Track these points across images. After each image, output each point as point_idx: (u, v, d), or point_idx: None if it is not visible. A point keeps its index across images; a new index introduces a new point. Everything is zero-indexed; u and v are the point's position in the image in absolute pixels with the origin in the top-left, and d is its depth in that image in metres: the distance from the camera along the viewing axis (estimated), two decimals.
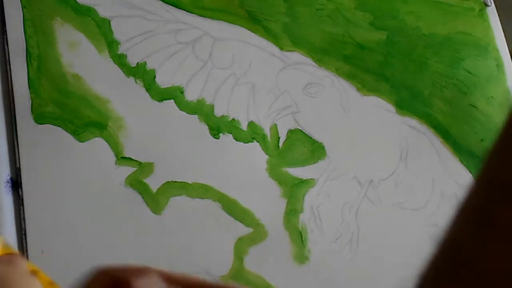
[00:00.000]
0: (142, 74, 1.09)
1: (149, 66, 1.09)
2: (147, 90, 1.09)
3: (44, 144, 1.07)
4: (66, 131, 1.08)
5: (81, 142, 1.08)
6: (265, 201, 1.08)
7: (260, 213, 1.08)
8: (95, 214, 1.08)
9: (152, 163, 1.08)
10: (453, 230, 0.23)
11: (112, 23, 1.09)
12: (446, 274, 0.22)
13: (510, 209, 0.21)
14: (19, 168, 1.07)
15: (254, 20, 1.13)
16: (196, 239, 1.08)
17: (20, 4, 1.08)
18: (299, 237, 1.08)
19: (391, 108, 1.15)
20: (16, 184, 1.07)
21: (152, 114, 1.09)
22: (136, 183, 1.08)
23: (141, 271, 0.47)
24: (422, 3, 1.23)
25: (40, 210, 1.08)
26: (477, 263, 0.21)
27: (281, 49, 1.13)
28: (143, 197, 1.08)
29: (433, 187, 1.12)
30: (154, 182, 1.08)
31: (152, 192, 1.08)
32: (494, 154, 0.23)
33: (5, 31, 1.07)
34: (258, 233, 1.08)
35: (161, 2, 1.11)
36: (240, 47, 1.12)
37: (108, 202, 1.08)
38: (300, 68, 1.13)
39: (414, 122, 1.15)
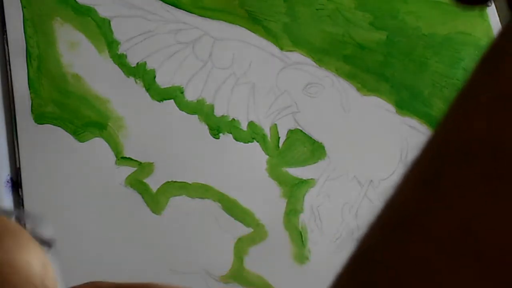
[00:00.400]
0: (142, 74, 1.09)
1: (149, 66, 1.09)
2: (147, 90, 1.09)
3: (44, 144, 1.07)
4: (66, 131, 1.08)
5: (81, 142, 1.08)
6: (265, 201, 1.08)
7: (260, 213, 1.08)
8: (95, 214, 1.08)
9: (152, 163, 1.08)
10: (401, 187, 0.23)
11: (112, 23, 1.09)
12: (391, 229, 0.22)
13: (458, 171, 0.21)
14: (19, 168, 1.07)
15: (254, 20, 1.13)
16: (196, 239, 1.08)
17: (20, 4, 1.08)
18: (299, 237, 1.08)
19: (391, 108, 1.15)
20: (16, 184, 1.07)
21: (152, 114, 1.09)
22: (136, 183, 1.08)
23: None
24: (422, 3, 1.23)
25: (40, 210, 1.08)
26: (420, 224, 0.21)
27: (281, 49, 1.13)
28: (143, 197, 1.08)
29: None
30: (154, 182, 1.08)
31: (152, 192, 1.08)
32: (445, 116, 0.23)
33: (5, 31, 1.07)
34: (258, 233, 1.08)
35: (161, 2, 1.11)
36: (240, 47, 1.12)
37: (108, 202, 1.08)
38: (300, 68, 1.13)
39: (414, 122, 1.15)
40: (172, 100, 1.09)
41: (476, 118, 0.22)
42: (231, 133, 1.09)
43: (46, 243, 0.51)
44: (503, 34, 0.23)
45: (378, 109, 1.14)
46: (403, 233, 0.22)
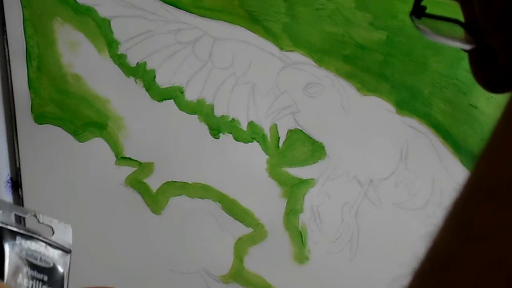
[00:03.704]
0: (142, 74, 1.09)
1: (149, 66, 1.09)
2: (147, 90, 1.09)
3: (44, 144, 1.07)
4: (66, 131, 1.08)
5: (81, 142, 1.08)
6: (265, 201, 1.08)
7: (260, 213, 1.08)
8: (95, 214, 1.08)
9: (152, 163, 1.08)
10: (436, 235, 0.24)
11: (112, 23, 1.09)
12: (429, 275, 0.23)
13: (486, 216, 0.21)
14: (19, 168, 1.07)
15: (254, 20, 1.13)
16: (196, 239, 1.08)
17: (20, 4, 1.08)
18: (299, 237, 1.08)
19: (391, 108, 1.15)
20: (16, 184, 1.07)
21: (152, 114, 1.09)
22: (136, 183, 1.08)
23: None
24: None
25: (40, 210, 1.07)
26: (454, 268, 0.22)
27: (281, 49, 1.13)
28: (143, 197, 1.08)
29: (433, 187, 1.12)
30: (154, 182, 1.08)
31: (152, 192, 1.08)
32: (476, 162, 0.24)
33: (5, 31, 1.07)
34: (258, 233, 1.08)
35: (161, 2, 1.11)
36: (240, 47, 1.12)
37: (108, 202, 1.08)
38: (300, 68, 1.13)
39: (414, 122, 1.15)
40: (172, 100, 1.09)
41: (501, 163, 0.22)
42: (231, 133, 1.09)
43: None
44: None
45: (378, 109, 1.14)
46: (439, 279, 0.23)
